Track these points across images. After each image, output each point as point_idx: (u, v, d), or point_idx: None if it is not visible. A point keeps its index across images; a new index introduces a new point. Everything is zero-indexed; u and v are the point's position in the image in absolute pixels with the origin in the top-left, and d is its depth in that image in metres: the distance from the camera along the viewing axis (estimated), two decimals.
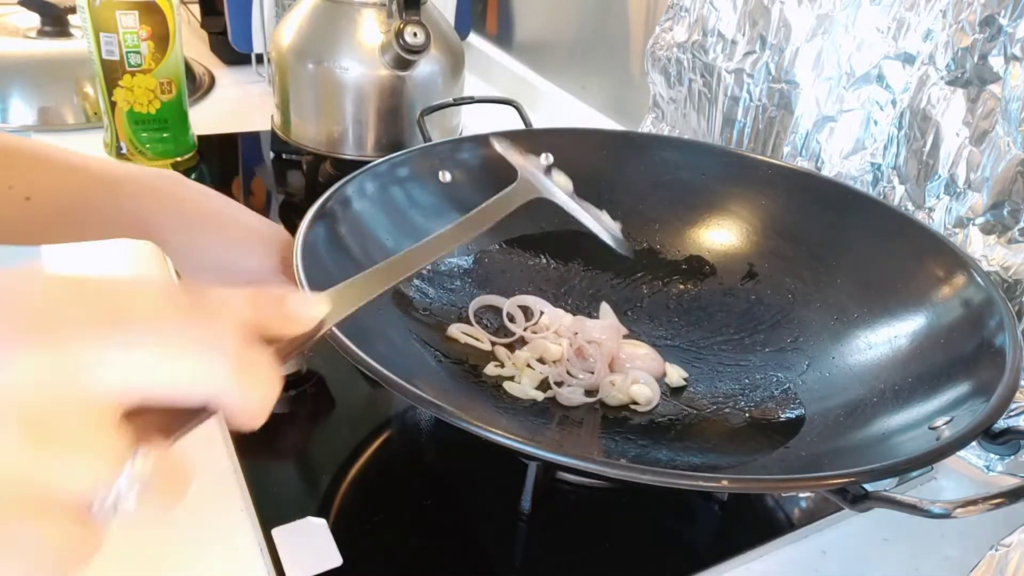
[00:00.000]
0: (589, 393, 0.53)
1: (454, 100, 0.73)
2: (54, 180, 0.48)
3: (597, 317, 0.60)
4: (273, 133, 0.87)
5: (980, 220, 0.52)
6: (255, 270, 0.51)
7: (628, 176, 0.65)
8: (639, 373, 0.53)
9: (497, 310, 0.59)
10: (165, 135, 0.81)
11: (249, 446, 0.49)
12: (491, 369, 0.54)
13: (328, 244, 0.50)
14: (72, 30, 1.00)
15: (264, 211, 0.80)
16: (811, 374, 0.52)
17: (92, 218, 0.49)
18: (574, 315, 0.59)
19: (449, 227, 0.36)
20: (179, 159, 0.83)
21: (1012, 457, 0.49)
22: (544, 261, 0.64)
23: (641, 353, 0.56)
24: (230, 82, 1.12)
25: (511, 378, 0.53)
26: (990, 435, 0.37)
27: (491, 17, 1.26)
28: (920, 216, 0.56)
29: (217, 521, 0.45)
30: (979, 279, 0.47)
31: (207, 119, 0.96)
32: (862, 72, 0.60)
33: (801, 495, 0.50)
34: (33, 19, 1.00)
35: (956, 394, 0.42)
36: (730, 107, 0.72)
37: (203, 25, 1.20)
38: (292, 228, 0.49)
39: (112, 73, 0.77)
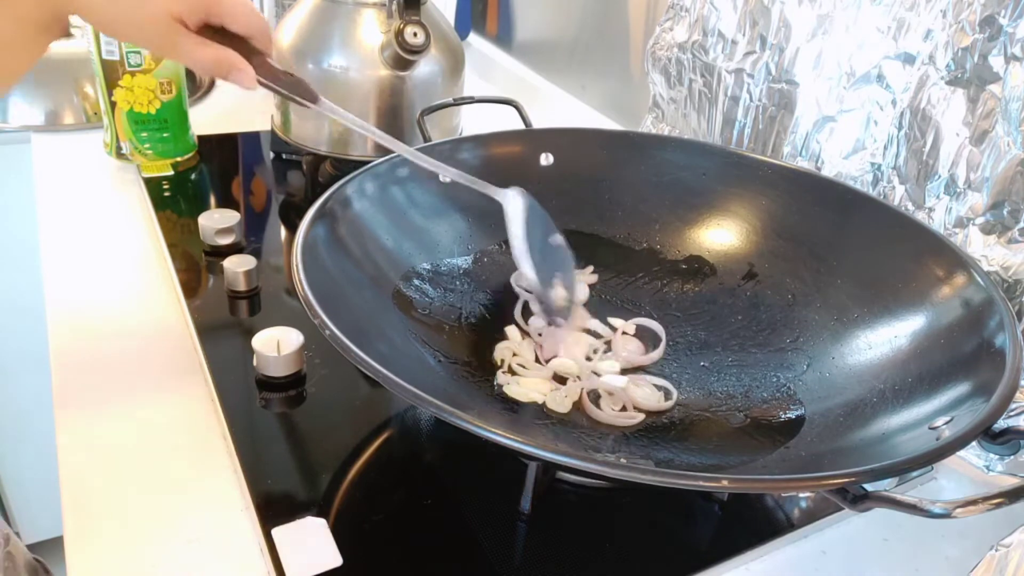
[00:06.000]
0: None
1: (454, 100, 0.73)
2: None
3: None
4: (273, 133, 0.87)
5: (980, 220, 0.52)
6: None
7: (628, 176, 0.65)
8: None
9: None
10: (165, 135, 0.81)
11: (249, 446, 0.49)
12: (501, 378, 0.53)
13: (328, 244, 0.50)
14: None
15: (264, 211, 0.80)
16: (811, 374, 0.52)
17: None
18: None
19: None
20: (179, 159, 0.83)
21: (1012, 457, 0.49)
22: None
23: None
24: None
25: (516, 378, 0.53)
26: (990, 435, 0.37)
27: (491, 17, 1.26)
28: (920, 216, 0.56)
29: (217, 521, 0.45)
30: (979, 279, 0.47)
31: (207, 119, 0.96)
32: (862, 72, 0.60)
33: (801, 495, 0.50)
34: None
35: (956, 394, 0.42)
36: (730, 107, 0.72)
37: None
38: (292, 228, 0.49)
39: (112, 73, 0.77)
